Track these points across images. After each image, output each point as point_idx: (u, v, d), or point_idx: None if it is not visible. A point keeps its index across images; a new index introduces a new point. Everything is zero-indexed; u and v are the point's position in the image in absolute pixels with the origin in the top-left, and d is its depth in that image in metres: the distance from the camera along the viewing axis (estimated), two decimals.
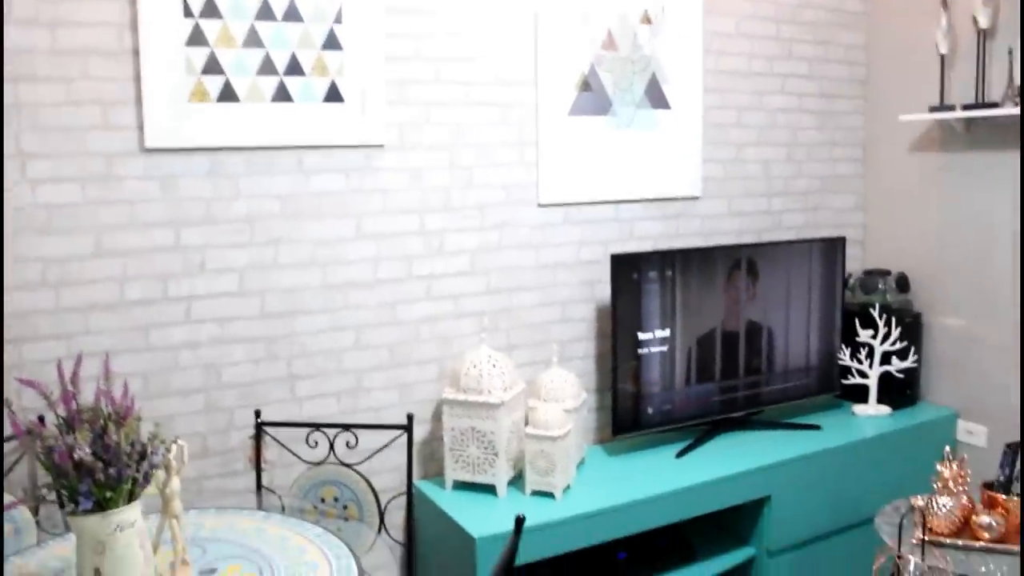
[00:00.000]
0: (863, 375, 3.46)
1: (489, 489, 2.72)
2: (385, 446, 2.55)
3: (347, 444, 2.54)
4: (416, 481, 2.84)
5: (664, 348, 3.04)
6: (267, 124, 2.53)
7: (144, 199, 2.42)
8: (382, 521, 2.47)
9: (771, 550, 3.03)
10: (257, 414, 2.51)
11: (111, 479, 1.66)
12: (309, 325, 2.68)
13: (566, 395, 2.82)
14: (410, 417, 2.48)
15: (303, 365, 2.69)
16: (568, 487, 2.74)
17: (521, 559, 2.50)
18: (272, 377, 2.65)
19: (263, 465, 2.54)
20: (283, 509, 2.27)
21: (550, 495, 2.68)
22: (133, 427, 1.73)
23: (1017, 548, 2.36)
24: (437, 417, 2.88)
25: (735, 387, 3.23)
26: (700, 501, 2.83)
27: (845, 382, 3.49)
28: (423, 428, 2.89)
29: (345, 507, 2.47)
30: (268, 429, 2.53)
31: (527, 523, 2.50)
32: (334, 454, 2.50)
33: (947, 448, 2.59)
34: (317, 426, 2.52)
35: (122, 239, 2.41)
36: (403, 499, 2.63)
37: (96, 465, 1.65)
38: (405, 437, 2.51)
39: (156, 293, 2.46)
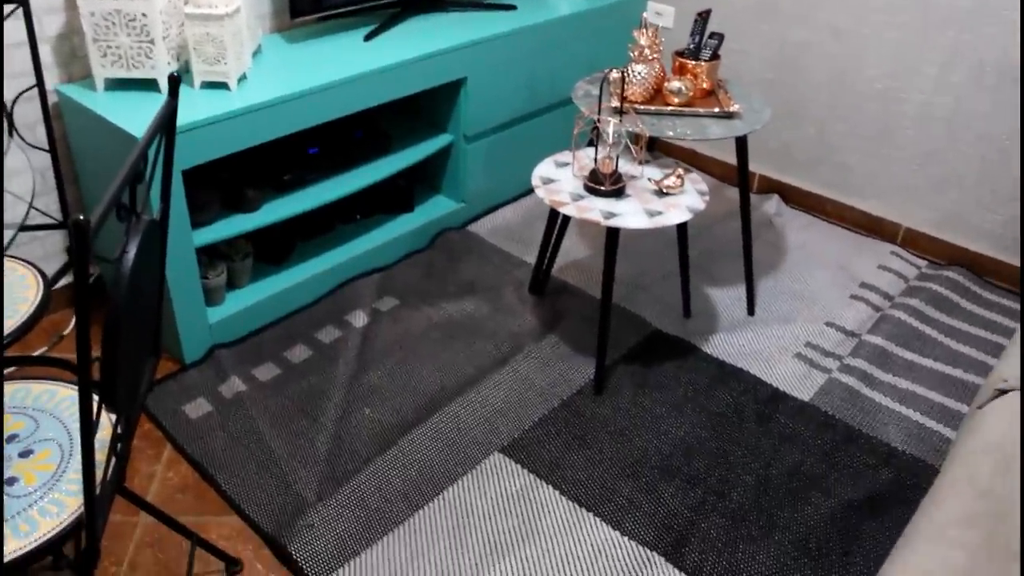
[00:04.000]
0: None
1: (150, 85, 2.33)
2: None
3: None
4: (59, 85, 2.37)
5: None
6: None
7: None
8: (11, 124, 2.03)
9: (468, 135, 2.93)
10: None
11: None
12: None
13: None
14: None
15: None
16: (243, 77, 2.41)
17: (197, 159, 2.21)
18: None
19: None
20: None
21: (223, 86, 2.34)
22: None
23: (701, 110, 2.39)
24: (73, 5, 2.36)
25: None
26: (391, 85, 2.61)
27: None
28: (56, 19, 2.36)
29: None
30: None
31: (199, 118, 2.19)
32: None
33: (644, 14, 2.50)
34: None
35: None
36: (36, 96, 2.17)
37: None
38: (22, 13, 2.00)
39: None
